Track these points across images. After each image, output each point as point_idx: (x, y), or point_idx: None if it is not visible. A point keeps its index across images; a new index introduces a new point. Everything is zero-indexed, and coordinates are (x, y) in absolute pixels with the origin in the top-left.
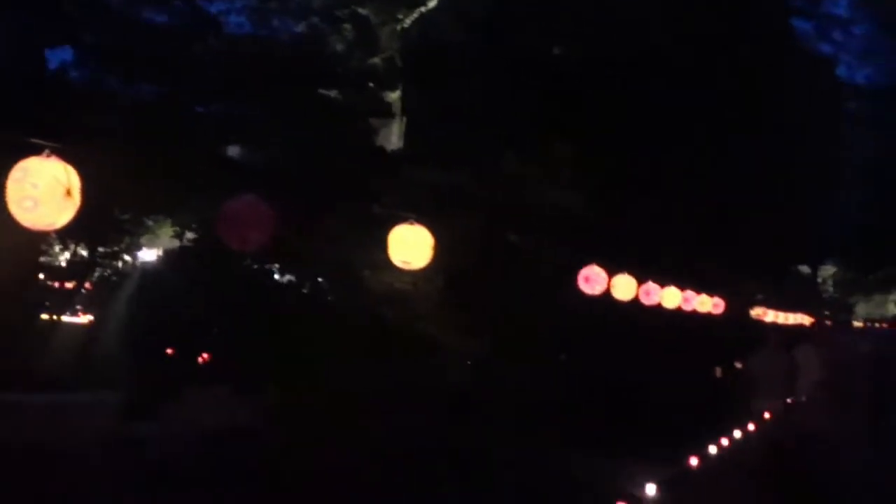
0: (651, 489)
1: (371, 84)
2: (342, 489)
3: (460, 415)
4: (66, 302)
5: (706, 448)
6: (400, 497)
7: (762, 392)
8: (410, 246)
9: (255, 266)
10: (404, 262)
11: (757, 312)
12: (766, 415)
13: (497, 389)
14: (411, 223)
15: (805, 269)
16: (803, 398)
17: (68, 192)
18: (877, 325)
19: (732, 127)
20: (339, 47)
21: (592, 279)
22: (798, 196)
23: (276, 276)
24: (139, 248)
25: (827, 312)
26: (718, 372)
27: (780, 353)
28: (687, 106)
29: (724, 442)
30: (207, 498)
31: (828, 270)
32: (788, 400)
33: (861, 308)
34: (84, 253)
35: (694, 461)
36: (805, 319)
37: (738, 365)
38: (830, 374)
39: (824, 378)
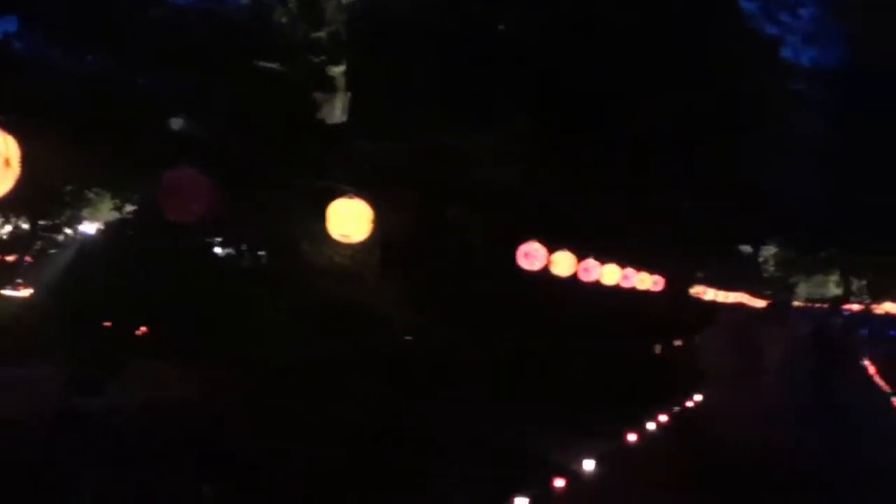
0: (589, 464)
1: (315, 57)
2: (283, 461)
3: (400, 388)
4: (7, 275)
5: (644, 424)
6: (336, 467)
7: (719, 367)
8: (349, 219)
9: (196, 239)
10: (343, 235)
11: (697, 291)
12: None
13: (437, 363)
14: (350, 197)
15: (747, 248)
16: (769, 375)
17: (7, 163)
18: (817, 304)
19: (676, 106)
20: (284, 20)
21: (532, 255)
22: (741, 176)
23: (218, 250)
24: (80, 221)
25: (768, 292)
26: (658, 349)
27: (736, 332)
28: (631, 82)
29: (663, 418)
30: (153, 471)
31: (769, 250)
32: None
33: (802, 288)
34: (25, 226)
35: (632, 437)
36: (746, 298)
37: (678, 342)
38: (789, 351)
39: (787, 355)
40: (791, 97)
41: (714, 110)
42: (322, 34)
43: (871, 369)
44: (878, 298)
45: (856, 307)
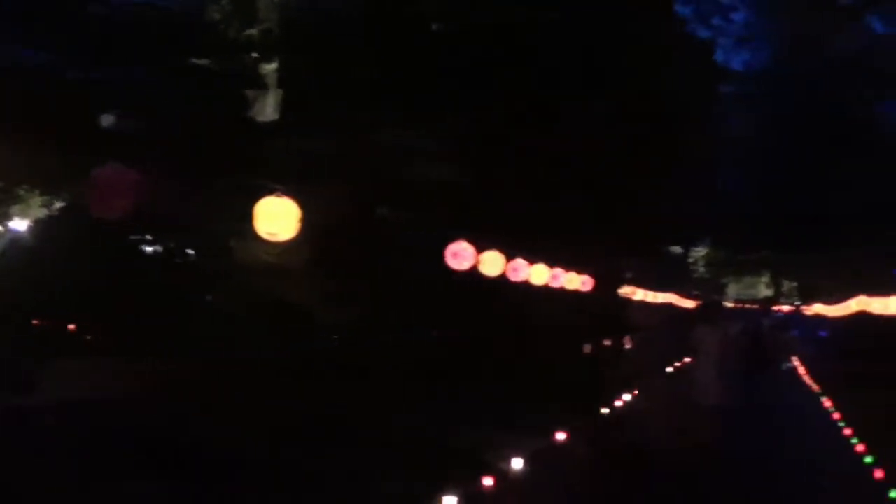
0: (518, 463)
1: (248, 55)
2: (215, 456)
3: (328, 384)
4: None
5: (572, 423)
6: (269, 463)
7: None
8: (277, 218)
9: (126, 236)
10: (270, 233)
11: (626, 291)
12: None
13: (365, 360)
14: (278, 195)
15: (677, 249)
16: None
17: None
18: (747, 305)
19: (610, 107)
20: (217, 16)
21: (460, 255)
22: (672, 177)
23: (148, 248)
24: (10, 217)
25: (697, 292)
26: (587, 348)
27: (667, 332)
28: (566, 83)
29: (591, 417)
30: (87, 467)
31: (700, 251)
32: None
33: (732, 289)
34: None
35: (561, 436)
36: (675, 299)
37: (607, 342)
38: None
39: (723, 355)
40: (722, 99)
41: (645, 112)
42: (255, 32)
43: (801, 370)
44: (808, 300)
45: (786, 308)
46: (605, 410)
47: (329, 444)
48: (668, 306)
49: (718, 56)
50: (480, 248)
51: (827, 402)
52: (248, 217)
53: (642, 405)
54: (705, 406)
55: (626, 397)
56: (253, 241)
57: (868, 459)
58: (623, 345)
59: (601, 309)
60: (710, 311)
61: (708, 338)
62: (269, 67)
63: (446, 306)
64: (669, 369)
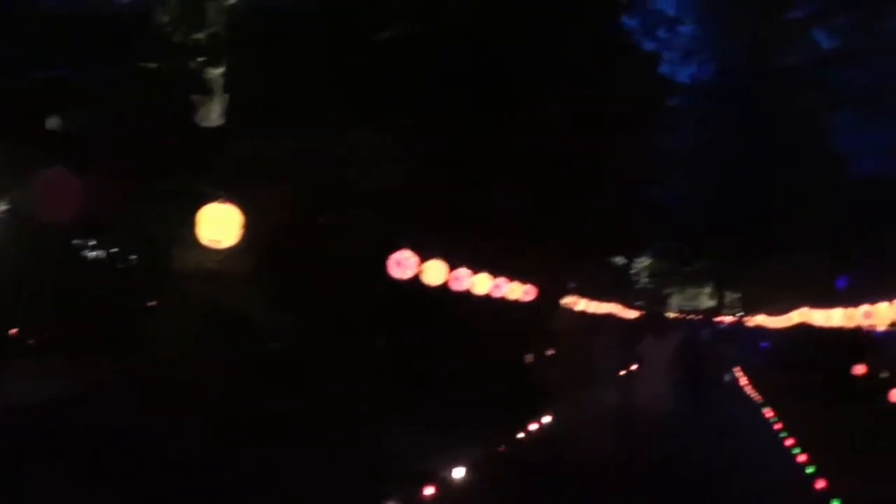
0: (459, 471)
1: (194, 59)
2: (160, 459)
3: (269, 391)
4: None
5: (513, 433)
6: (211, 466)
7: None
8: (219, 224)
9: (68, 240)
10: (213, 240)
11: (568, 301)
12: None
13: (307, 369)
14: (221, 202)
15: (620, 259)
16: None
17: None
18: (689, 316)
19: (555, 118)
20: (165, 19)
21: (403, 263)
22: (616, 187)
23: (91, 252)
24: None
25: (640, 303)
26: (530, 358)
27: (611, 342)
28: (510, 94)
29: (533, 426)
30: (35, 469)
31: (643, 262)
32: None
33: (675, 299)
34: None
35: (501, 446)
36: (618, 309)
37: (550, 352)
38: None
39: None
40: (668, 111)
41: (589, 122)
42: (202, 35)
43: (744, 381)
44: (751, 311)
45: (728, 319)
46: (544, 418)
47: (266, 449)
48: (582, 314)
49: (665, 68)
50: (424, 257)
51: (769, 413)
52: (190, 223)
53: (582, 413)
54: (652, 413)
55: (567, 406)
56: (195, 247)
57: (810, 470)
58: (565, 354)
59: (544, 318)
60: (654, 321)
61: (654, 349)
62: (216, 72)
63: (391, 315)
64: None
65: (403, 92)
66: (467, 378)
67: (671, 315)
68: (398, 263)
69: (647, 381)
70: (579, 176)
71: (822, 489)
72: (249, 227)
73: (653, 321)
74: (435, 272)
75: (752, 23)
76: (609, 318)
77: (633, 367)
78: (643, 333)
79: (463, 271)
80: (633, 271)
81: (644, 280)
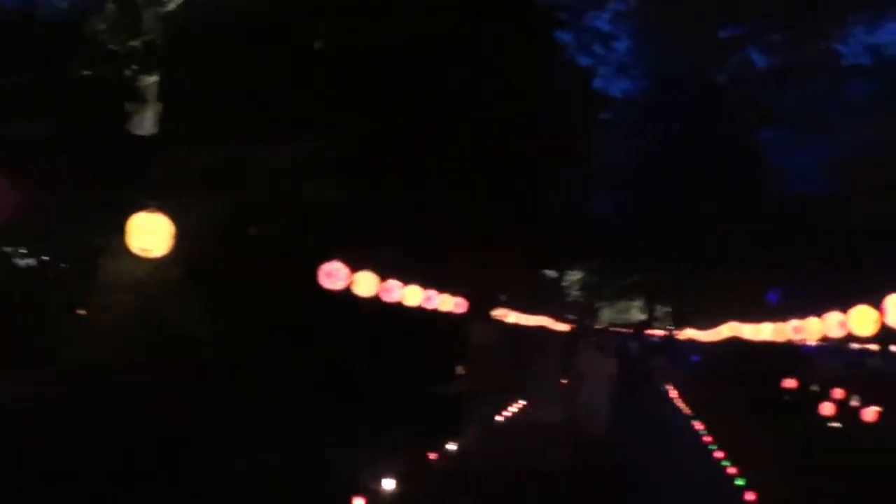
0: (389, 483)
1: (129, 66)
2: (75, 470)
3: (199, 403)
4: None
5: (444, 444)
6: (133, 481)
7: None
8: (149, 234)
9: None
10: (143, 249)
11: (498, 314)
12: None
13: (237, 380)
14: (151, 211)
15: (552, 273)
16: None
17: None
18: (621, 329)
19: (489, 131)
20: (102, 27)
21: (334, 275)
22: (547, 201)
23: (21, 261)
24: None
25: (571, 316)
26: (461, 370)
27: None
28: (445, 107)
29: (463, 438)
30: None
31: (574, 275)
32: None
33: (606, 313)
34: None
35: (432, 456)
36: (548, 322)
37: (480, 365)
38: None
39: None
40: (601, 126)
41: (521, 137)
42: (138, 43)
43: (674, 393)
44: (682, 325)
45: (660, 333)
46: (474, 430)
47: (194, 460)
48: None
49: (598, 83)
50: (355, 268)
51: (699, 426)
52: (121, 232)
53: (513, 425)
54: (590, 432)
55: (499, 418)
56: (126, 256)
57: (740, 482)
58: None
59: (476, 330)
60: (585, 335)
61: (592, 365)
62: (150, 80)
63: (322, 326)
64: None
65: (336, 104)
66: (399, 389)
67: (601, 328)
68: (328, 275)
69: (588, 398)
70: (510, 189)
71: (752, 502)
72: (180, 237)
73: (584, 334)
74: (365, 283)
75: (688, 40)
76: (543, 331)
77: (574, 381)
78: (579, 347)
79: (393, 282)
80: (564, 284)
81: (575, 293)
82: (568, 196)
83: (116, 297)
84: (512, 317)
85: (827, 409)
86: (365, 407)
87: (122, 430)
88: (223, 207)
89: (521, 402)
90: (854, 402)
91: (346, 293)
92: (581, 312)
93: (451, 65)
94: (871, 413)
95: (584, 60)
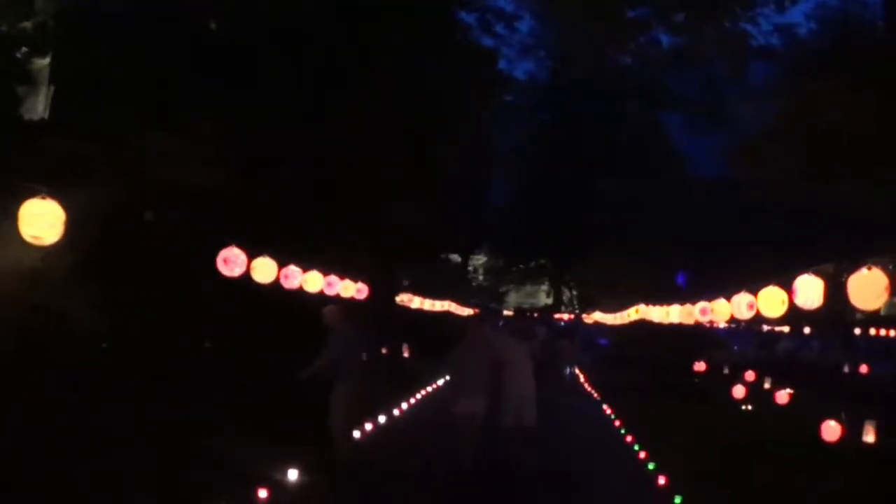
0: (293, 474)
1: (20, 49)
2: None
3: (91, 393)
4: None
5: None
6: (26, 479)
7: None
8: (41, 221)
9: None
10: (34, 237)
11: (402, 299)
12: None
13: (130, 369)
14: (43, 197)
15: (455, 257)
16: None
17: None
18: (527, 314)
19: (387, 115)
20: None
21: (231, 261)
22: (445, 182)
23: None
24: None
25: (475, 301)
26: (364, 357)
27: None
28: (340, 89)
29: (367, 426)
30: None
31: (479, 259)
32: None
33: (512, 297)
34: None
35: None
36: (453, 307)
37: (385, 351)
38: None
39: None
40: (503, 107)
41: (419, 119)
42: (28, 25)
43: (582, 377)
44: (588, 308)
45: (566, 317)
46: (380, 419)
47: (88, 451)
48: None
49: (502, 64)
50: (253, 255)
51: (608, 410)
52: (11, 218)
53: (416, 414)
54: (518, 427)
55: (403, 405)
56: (15, 243)
57: (651, 466)
58: (401, 353)
59: (379, 317)
60: (480, 319)
61: (518, 353)
62: (42, 63)
63: (221, 315)
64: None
65: (228, 91)
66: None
67: (507, 313)
68: (226, 261)
69: (513, 391)
70: (406, 171)
71: (664, 486)
72: (73, 224)
73: (488, 317)
74: (265, 270)
75: (593, 21)
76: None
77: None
78: (504, 334)
79: (293, 269)
80: (469, 269)
81: (480, 278)
82: (465, 177)
83: (5, 285)
84: (415, 302)
85: (738, 391)
86: (266, 397)
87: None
88: (117, 193)
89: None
90: (766, 385)
91: (246, 280)
92: (487, 297)
93: (337, 50)
94: (783, 396)
95: (487, 42)
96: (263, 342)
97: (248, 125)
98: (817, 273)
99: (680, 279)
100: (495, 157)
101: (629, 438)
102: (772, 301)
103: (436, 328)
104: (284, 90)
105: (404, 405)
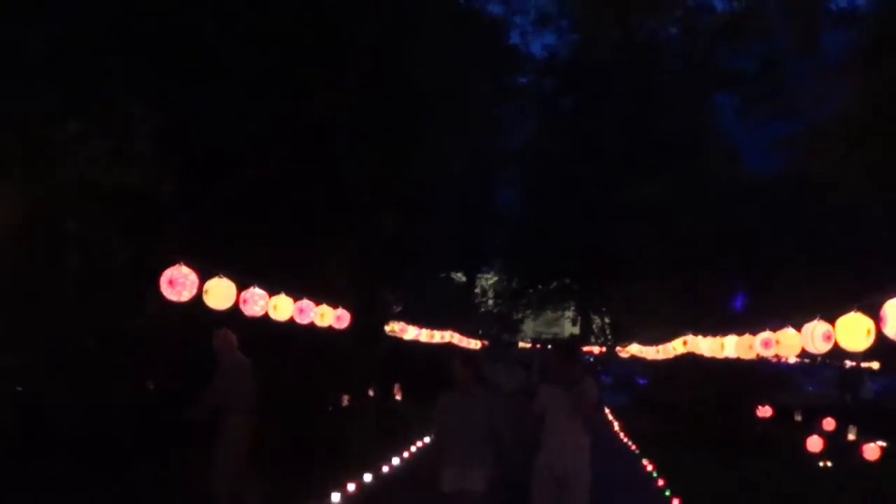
0: None
1: None
2: None
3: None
4: None
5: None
6: None
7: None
8: None
9: None
10: None
11: (393, 328)
12: None
13: (56, 424)
14: None
15: (460, 276)
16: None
17: None
18: (548, 346)
19: (365, 98)
20: None
21: (179, 283)
22: (447, 186)
23: None
24: None
25: (482, 331)
26: (346, 400)
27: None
28: (308, 66)
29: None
30: None
31: (488, 279)
32: None
33: (529, 325)
34: None
35: None
36: (456, 338)
37: (371, 392)
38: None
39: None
40: (517, 91)
41: (410, 104)
42: None
43: (617, 425)
44: (622, 339)
45: (597, 350)
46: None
47: None
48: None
49: (514, 38)
50: (206, 275)
51: (649, 466)
52: None
53: (410, 475)
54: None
55: (395, 461)
56: None
57: None
58: (394, 394)
59: (365, 351)
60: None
61: (556, 401)
62: None
63: (167, 349)
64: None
65: (169, 76)
66: (266, 427)
67: (524, 345)
68: (172, 283)
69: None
70: (397, 172)
71: None
72: None
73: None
74: (220, 293)
75: None
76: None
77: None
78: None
79: (257, 292)
80: (476, 290)
81: (489, 303)
82: (472, 180)
83: None
84: (410, 332)
85: (814, 444)
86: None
87: None
88: (28, 198)
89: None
90: (850, 436)
91: (198, 306)
92: (497, 325)
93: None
94: (872, 450)
95: (495, 9)
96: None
97: (195, 115)
98: None
99: (737, 303)
100: (506, 153)
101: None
102: (854, 330)
103: (435, 365)
104: (237, 69)
105: (396, 460)
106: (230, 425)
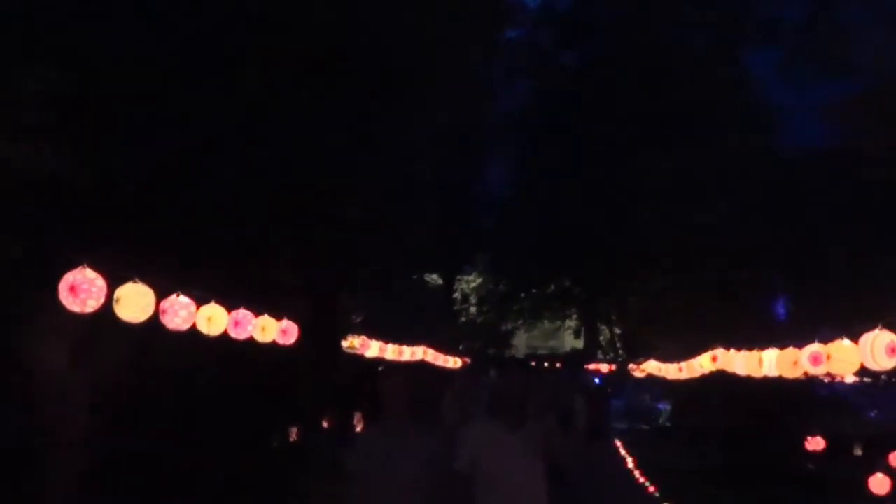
0: None
1: None
2: None
3: None
4: None
5: None
6: None
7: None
8: None
9: None
10: None
11: (353, 343)
12: None
13: None
14: None
15: (435, 279)
16: None
17: None
18: (545, 363)
19: (319, 54)
20: None
21: (83, 289)
22: (416, 163)
23: None
24: None
25: (465, 345)
26: (294, 434)
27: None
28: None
29: None
30: None
31: (470, 282)
32: None
33: (521, 337)
34: None
35: None
36: (431, 355)
37: (326, 424)
38: None
39: None
40: (507, 48)
41: (371, 62)
42: None
43: (630, 460)
44: (638, 355)
45: (605, 367)
46: None
47: None
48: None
49: None
50: (116, 280)
51: None
52: None
53: None
54: None
55: None
56: None
57: None
58: (351, 425)
59: (319, 372)
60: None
61: (499, 446)
62: None
63: (64, 378)
64: None
65: (65, 30)
66: (197, 464)
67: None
68: (74, 289)
69: None
70: (348, 142)
71: None
72: None
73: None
74: (135, 302)
75: None
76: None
77: None
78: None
79: (180, 300)
80: (456, 296)
81: (472, 310)
82: (449, 158)
83: None
84: (373, 348)
85: (879, 483)
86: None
87: None
88: None
89: None
90: None
91: (107, 318)
92: (482, 338)
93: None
94: None
95: None
96: (133, 420)
97: (99, 77)
98: None
99: (778, 308)
100: (492, 122)
101: None
102: None
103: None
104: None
105: None
106: None
